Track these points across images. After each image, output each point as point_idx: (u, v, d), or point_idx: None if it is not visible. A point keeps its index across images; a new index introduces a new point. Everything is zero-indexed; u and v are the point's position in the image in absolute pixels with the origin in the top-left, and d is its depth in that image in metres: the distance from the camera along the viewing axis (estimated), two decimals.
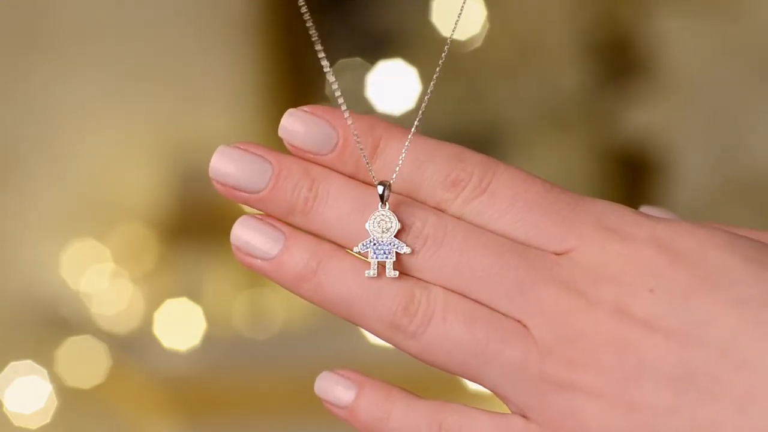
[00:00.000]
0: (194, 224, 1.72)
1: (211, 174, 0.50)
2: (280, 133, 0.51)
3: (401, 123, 0.51)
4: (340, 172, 0.51)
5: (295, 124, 0.50)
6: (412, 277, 0.50)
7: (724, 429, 0.45)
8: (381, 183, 0.50)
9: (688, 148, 1.74)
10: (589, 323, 0.47)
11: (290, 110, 0.51)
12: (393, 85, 1.69)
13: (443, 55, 0.53)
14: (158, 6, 1.73)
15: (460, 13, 0.55)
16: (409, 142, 0.51)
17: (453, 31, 0.56)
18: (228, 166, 0.50)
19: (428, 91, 0.53)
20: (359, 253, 0.50)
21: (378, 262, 0.49)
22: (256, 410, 1.63)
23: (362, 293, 0.49)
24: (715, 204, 1.73)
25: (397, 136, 0.51)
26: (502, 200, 0.50)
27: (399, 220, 0.49)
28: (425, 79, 1.67)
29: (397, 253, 0.49)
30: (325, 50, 0.54)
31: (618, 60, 1.76)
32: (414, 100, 1.66)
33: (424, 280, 0.49)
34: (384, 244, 0.49)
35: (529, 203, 0.49)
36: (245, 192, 0.50)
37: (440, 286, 0.49)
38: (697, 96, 1.74)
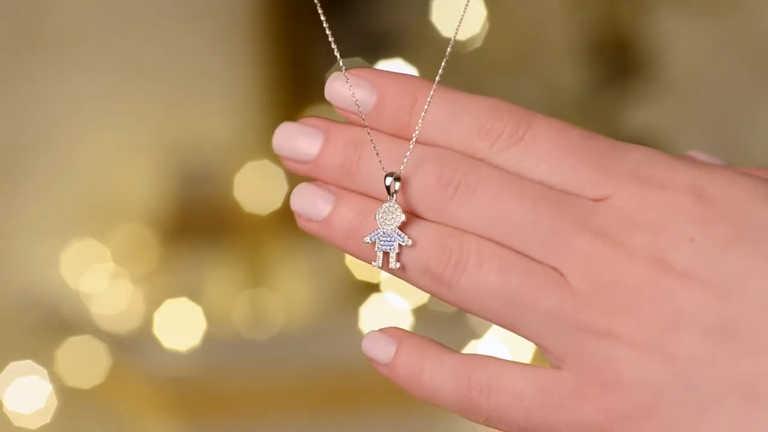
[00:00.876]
0: (194, 224, 1.72)
1: (275, 150, 0.52)
2: (326, 95, 0.52)
3: None
4: (382, 131, 0.51)
5: (338, 86, 0.52)
6: (447, 225, 0.50)
7: (765, 381, 0.45)
8: (389, 174, 0.50)
9: (689, 147, 1.74)
10: (626, 271, 0.47)
11: (335, 73, 0.52)
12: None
13: (446, 57, 0.53)
14: (158, 6, 1.73)
15: (462, 15, 0.55)
16: (432, 94, 0.51)
17: (456, 32, 0.56)
18: (283, 139, 0.52)
19: (430, 94, 0.53)
20: (369, 243, 0.50)
21: (383, 253, 0.50)
22: (256, 410, 1.63)
23: None
24: None
25: (438, 91, 0.51)
26: (539, 148, 0.49)
27: (403, 211, 0.50)
28: (425, 79, 1.67)
29: (400, 245, 0.50)
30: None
31: (618, 60, 1.76)
32: None
33: (460, 229, 0.49)
34: (388, 236, 0.50)
35: (567, 150, 0.49)
36: (302, 162, 0.52)
37: (475, 234, 0.49)
38: (697, 95, 1.74)
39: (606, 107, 1.76)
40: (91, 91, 1.72)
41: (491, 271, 0.48)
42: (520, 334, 0.49)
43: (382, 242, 0.50)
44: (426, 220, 0.50)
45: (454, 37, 0.55)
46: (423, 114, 0.51)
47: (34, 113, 1.71)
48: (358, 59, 1.69)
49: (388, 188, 0.50)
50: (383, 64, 1.69)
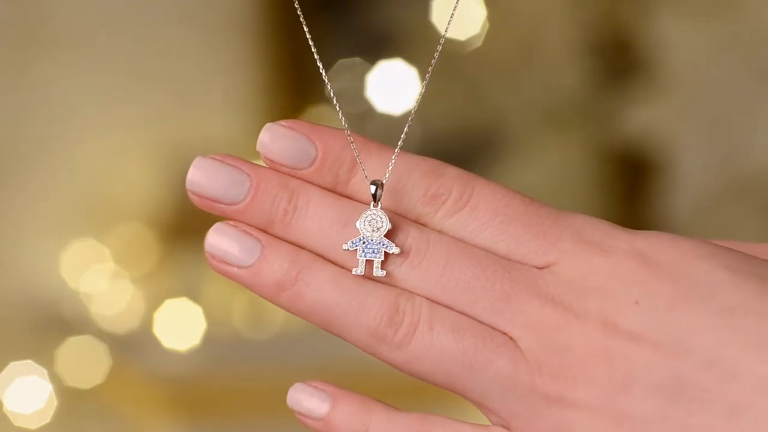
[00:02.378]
0: (194, 224, 1.72)
1: (187, 186, 0.51)
2: (258, 147, 0.50)
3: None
4: (319, 185, 0.51)
5: (272, 138, 0.50)
6: (396, 287, 0.49)
7: None
8: (373, 182, 0.50)
9: (689, 148, 1.74)
10: (575, 336, 0.47)
11: (268, 125, 0.51)
12: (393, 85, 1.69)
13: (436, 54, 0.53)
14: (158, 6, 1.73)
15: (453, 11, 0.55)
16: (396, 156, 0.50)
17: (446, 29, 0.56)
18: (204, 177, 0.50)
19: (420, 92, 0.53)
20: (347, 251, 0.49)
21: (366, 261, 0.49)
22: (256, 410, 1.63)
23: (345, 303, 0.49)
24: (716, 204, 1.73)
25: (375, 152, 0.51)
26: (483, 214, 0.50)
27: (390, 220, 0.50)
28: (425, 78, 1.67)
29: (386, 253, 0.49)
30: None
31: (618, 60, 1.76)
32: (414, 100, 1.66)
33: (410, 291, 0.49)
34: (373, 243, 0.49)
35: (510, 217, 0.49)
36: (222, 204, 0.51)
37: (425, 297, 0.49)
38: (697, 96, 1.74)
39: (606, 107, 1.75)
40: (91, 91, 1.72)
41: (443, 331, 0.48)
42: (467, 396, 0.49)
43: (365, 250, 0.49)
44: (376, 281, 0.49)
45: (444, 35, 0.55)
46: (387, 173, 0.50)
47: (34, 113, 1.71)
48: (357, 59, 1.69)
49: (373, 195, 0.50)
50: (383, 64, 1.69)
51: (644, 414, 0.46)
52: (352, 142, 0.50)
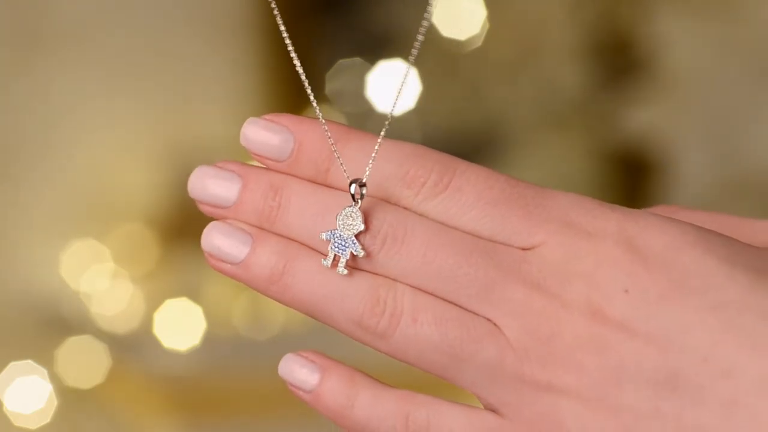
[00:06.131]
0: (194, 224, 1.72)
1: (190, 194, 0.52)
2: (241, 140, 0.51)
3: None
4: (301, 177, 0.51)
5: (253, 131, 0.51)
6: (379, 275, 0.49)
7: None
8: (353, 181, 0.50)
9: (688, 148, 1.74)
10: (563, 324, 0.46)
11: (250, 118, 0.51)
12: (393, 85, 1.69)
13: (419, 37, 0.53)
14: (159, 6, 1.73)
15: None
16: (378, 145, 0.50)
17: (431, 11, 0.55)
18: (204, 183, 0.51)
19: (404, 77, 0.52)
20: (324, 240, 0.49)
21: (335, 255, 0.49)
22: (256, 410, 1.63)
23: (328, 293, 0.49)
24: (716, 204, 1.73)
25: (357, 139, 0.50)
26: (466, 196, 0.49)
27: (364, 222, 0.49)
28: (425, 79, 1.67)
29: (352, 254, 0.49)
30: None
31: (618, 60, 1.76)
32: (414, 100, 1.66)
33: (392, 278, 0.49)
34: (343, 240, 0.49)
35: (494, 199, 0.49)
36: (219, 207, 0.51)
37: (408, 285, 0.49)
38: (697, 96, 1.74)
39: (606, 107, 1.75)
40: (91, 90, 1.72)
41: (426, 323, 0.48)
42: (456, 384, 0.48)
43: (336, 245, 0.49)
44: (359, 269, 0.49)
45: (427, 19, 0.54)
46: (369, 164, 0.50)
47: (34, 113, 1.71)
48: (358, 59, 1.69)
49: (353, 195, 0.49)
50: (383, 64, 1.69)
51: (636, 407, 0.46)
52: (327, 131, 0.50)
